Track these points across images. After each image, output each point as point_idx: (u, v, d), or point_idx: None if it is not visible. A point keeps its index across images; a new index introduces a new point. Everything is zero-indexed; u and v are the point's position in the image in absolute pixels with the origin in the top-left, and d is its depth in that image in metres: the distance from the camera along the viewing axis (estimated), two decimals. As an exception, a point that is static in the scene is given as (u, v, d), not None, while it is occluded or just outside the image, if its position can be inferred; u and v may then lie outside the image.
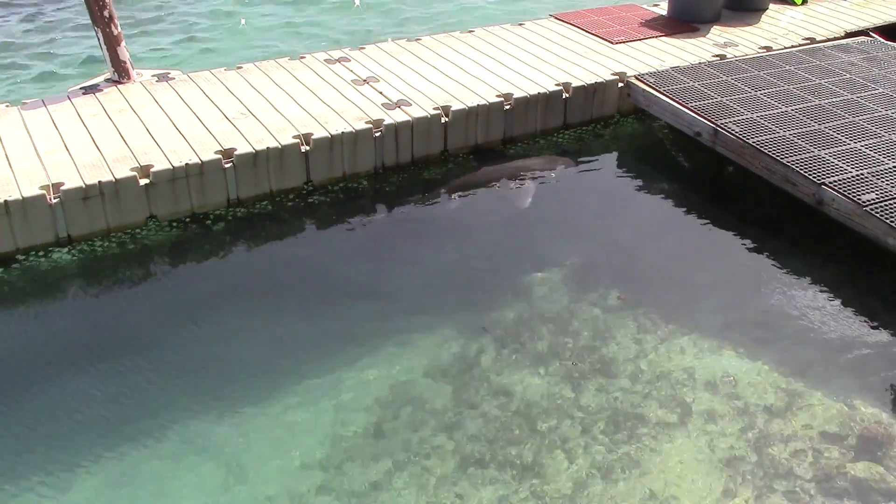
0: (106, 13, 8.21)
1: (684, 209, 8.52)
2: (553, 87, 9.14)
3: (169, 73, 8.92)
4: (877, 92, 9.11)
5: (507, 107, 8.90)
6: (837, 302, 7.08)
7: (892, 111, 8.71)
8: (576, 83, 9.29)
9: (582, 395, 6.08)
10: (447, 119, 8.63)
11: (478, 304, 7.00)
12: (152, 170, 7.31)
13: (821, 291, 7.24)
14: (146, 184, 7.27)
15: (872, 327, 6.80)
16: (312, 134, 8.06)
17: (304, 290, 6.98)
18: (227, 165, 7.56)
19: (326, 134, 8.08)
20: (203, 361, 6.12)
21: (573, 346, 6.58)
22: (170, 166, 7.32)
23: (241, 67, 9.19)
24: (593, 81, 9.34)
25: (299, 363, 6.24)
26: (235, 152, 7.61)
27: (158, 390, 5.87)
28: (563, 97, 9.20)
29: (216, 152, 7.57)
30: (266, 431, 5.65)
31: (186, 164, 7.36)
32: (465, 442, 5.72)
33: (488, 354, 6.45)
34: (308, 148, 8.00)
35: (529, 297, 7.09)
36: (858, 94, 9.03)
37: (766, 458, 5.67)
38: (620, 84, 9.48)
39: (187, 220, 7.61)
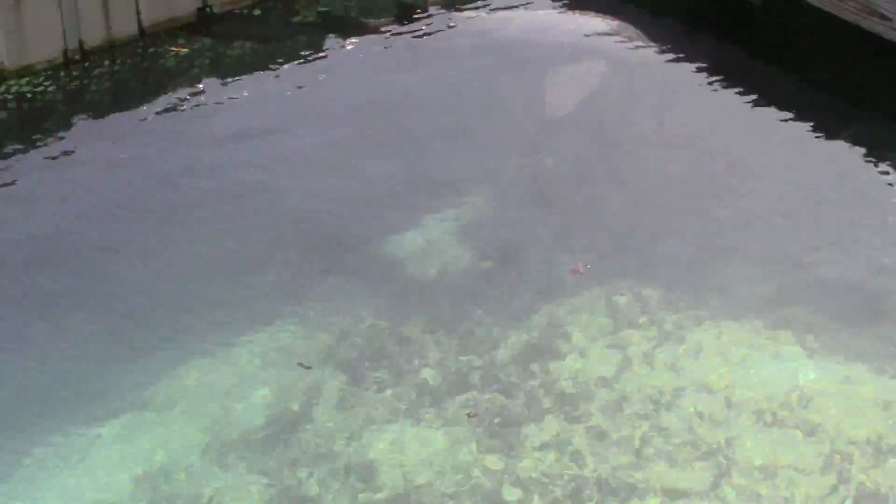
0: None
1: (686, 78, 8.60)
2: None
3: None
4: None
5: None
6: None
7: None
8: None
9: (517, 458, 5.86)
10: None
11: (304, 298, 6.85)
12: None
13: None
14: None
15: None
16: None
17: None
18: None
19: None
20: None
21: (490, 366, 6.39)
22: None
23: None
24: None
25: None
26: None
27: None
28: None
29: None
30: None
31: None
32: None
33: (327, 398, 6.22)
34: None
35: (404, 274, 7.00)
36: None
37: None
38: None
39: None
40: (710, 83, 8.90)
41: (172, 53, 8.71)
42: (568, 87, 8.61)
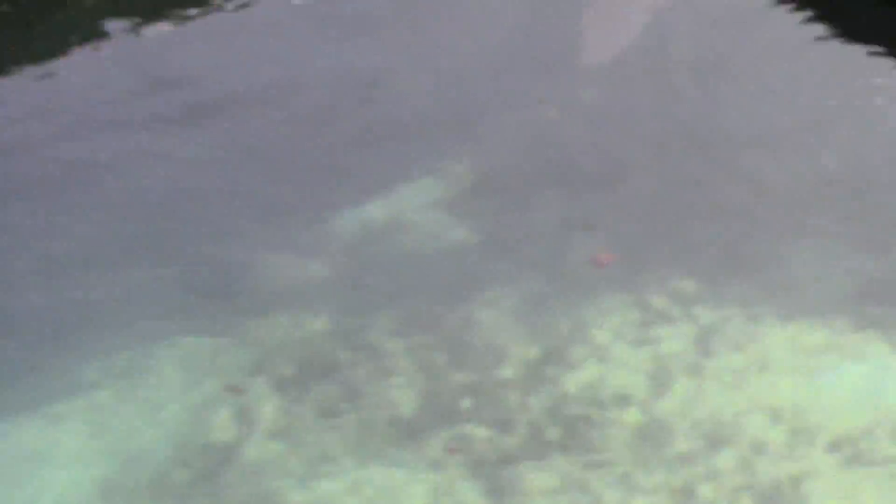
0: None
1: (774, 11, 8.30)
2: None
3: None
4: None
5: None
6: None
7: None
8: None
9: None
10: None
11: (229, 293, 6.50)
12: None
13: None
14: None
15: None
16: None
17: None
18: None
19: None
20: None
21: (483, 383, 5.87)
22: None
23: None
24: None
25: None
26: None
27: None
28: None
29: None
30: None
31: None
32: None
33: (263, 427, 5.73)
34: None
35: (367, 257, 6.69)
36: None
37: None
38: None
39: None
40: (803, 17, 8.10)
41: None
42: (616, 19, 7.78)
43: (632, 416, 5.62)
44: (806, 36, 8.27)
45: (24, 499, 5.57)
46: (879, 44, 8.10)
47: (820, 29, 8.30)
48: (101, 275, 6.59)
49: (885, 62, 8.04)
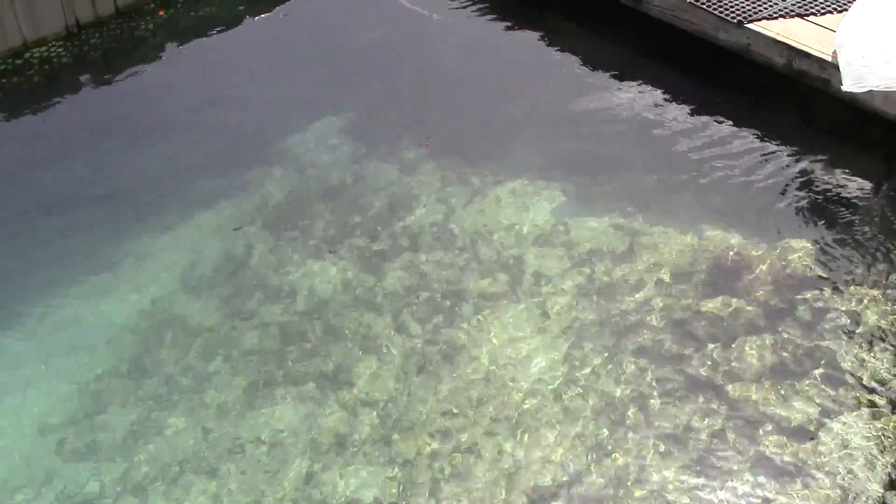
0: None
1: (499, 23, 9.23)
2: None
3: None
4: None
5: None
6: (674, 114, 8.07)
7: None
8: None
9: (385, 278, 6.84)
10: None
11: (235, 185, 7.63)
12: None
13: (655, 104, 8.15)
14: None
15: (714, 140, 7.78)
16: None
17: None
18: None
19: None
20: None
21: (365, 220, 7.33)
22: None
23: None
24: None
25: (13, 298, 6.69)
26: None
27: None
28: None
29: None
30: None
31: None
32: (245, 361, 6.35)
33: (259, 248, 7.07)
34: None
35: (301, 163, 7.77)
36: None
37: (613, 312, 6.55)
38: None
39: None
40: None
41: (148, 23, 9.30)
42: None
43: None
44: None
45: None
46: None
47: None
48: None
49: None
